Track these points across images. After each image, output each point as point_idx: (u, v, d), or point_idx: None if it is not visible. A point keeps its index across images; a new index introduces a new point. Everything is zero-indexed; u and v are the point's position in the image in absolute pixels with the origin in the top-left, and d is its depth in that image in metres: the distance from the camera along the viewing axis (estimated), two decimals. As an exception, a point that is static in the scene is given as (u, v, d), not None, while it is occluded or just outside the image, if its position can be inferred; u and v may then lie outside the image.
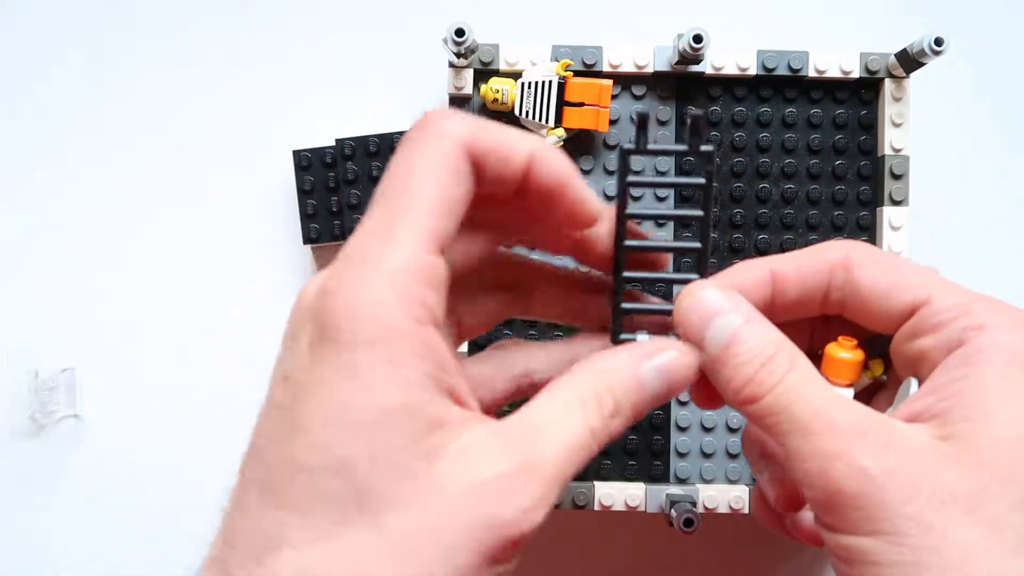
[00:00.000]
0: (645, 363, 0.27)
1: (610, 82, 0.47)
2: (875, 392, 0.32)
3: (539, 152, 0.27)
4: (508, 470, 0.24)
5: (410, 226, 0.25)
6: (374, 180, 0.51)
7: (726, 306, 0.28)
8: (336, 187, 0.52)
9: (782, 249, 0.49)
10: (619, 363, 0.27)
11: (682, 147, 0.28)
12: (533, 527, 0.24)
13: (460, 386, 0.26)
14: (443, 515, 0.24)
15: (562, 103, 0.46)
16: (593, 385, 0.27)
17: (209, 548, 0.25)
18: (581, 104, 0.46)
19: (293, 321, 0.25)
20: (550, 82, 0.46)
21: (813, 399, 0.26)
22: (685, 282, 0.29)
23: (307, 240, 0.52)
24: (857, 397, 0.31)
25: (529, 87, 0.46)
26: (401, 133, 0.51)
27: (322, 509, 0.23)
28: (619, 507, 0.47)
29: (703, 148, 0.28)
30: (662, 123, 0.49)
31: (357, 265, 0.24)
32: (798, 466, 0.26)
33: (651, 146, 0.28)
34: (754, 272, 0.30)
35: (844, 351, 0.30)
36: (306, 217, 0.52)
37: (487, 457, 0.24)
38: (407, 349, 0.24)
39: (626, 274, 0.30)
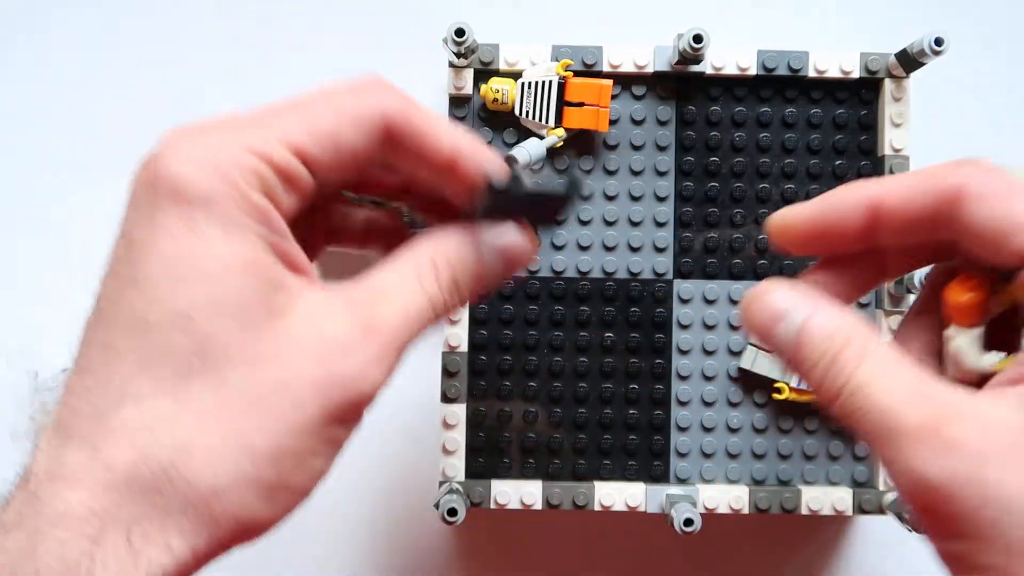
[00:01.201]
0: (484, 240, 0.28)
1: (610, 82, 0.47)
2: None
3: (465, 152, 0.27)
4: (350, 329, 0.25)
5: (280, 124, 0.25)
6: (374, 180, 0.51)
7: (788, 306, 0.26)
8: (336, 187, 0.52)
9: (782, 249, 0.49)
10: (458, 238, 0.28)
11: (555, 191, 0.27)
12: (375, 388, 0.25)
13: (298, 255, 0.26)
14: (289, 370, 0.24)
15: (562, 103, 0.46)
16: (431, 256, 0.27)
17: (50, 416, 0.25)
18: (581, 104, 0.46)
19: (135, 182, 0.25)
20: (550, 82, 0.46)
21: (882, 398, 0.24)
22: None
23: (307, 240, 0.52)
24: (996, 326, 0.27)
25: (529, 87, 0.46)
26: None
27: (166, 363, 0.23)
28: (619, 507, 0.47)
29: (566, 189, 0.27)
30: (662, 123, 0.49)
31: (206, 131, 0.25)
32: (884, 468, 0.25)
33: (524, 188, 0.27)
34: (848, 202, 0.28)
35: (961, 294, 0.27)
36: (306, 217, 0.52)
37: (330, 317, 0.25)
38: (242, 210, 0.24)
39: None
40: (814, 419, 0.48)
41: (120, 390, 0.23)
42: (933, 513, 0.23)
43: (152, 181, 0.24)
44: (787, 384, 0.47)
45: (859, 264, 0.29)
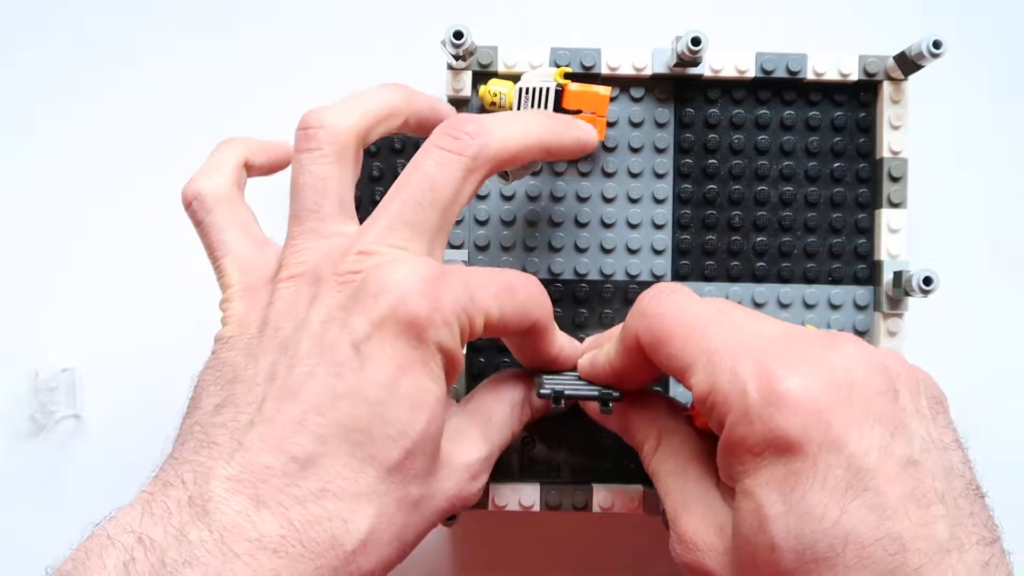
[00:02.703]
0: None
1: (608, 91, 0.47)
2: None
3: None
4: (481, 457, 0.34)
5: (486, 296, 0.34)
6: (374, 180, 0.51)
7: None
8: (335, 188, 0.52)
9: (780, 251, 0.49)
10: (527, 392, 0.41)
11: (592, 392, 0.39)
12: (478, 497, 0.36)
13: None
14: (440, 488, 0.32)
15: (559, 110, 0.46)
16: (524, 398, 0.40)
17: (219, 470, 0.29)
18: (579, 112, 0.46)
19: (382, 307, 0.31)
20: (547, 89, 0.46)
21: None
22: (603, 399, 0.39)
23: (306, 241, 0.52)
24: None
25: (526, 92, 0.46)
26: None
27: (372, 468, 0.29)
28: (618, 509, 0.47)
29: (615, 395, 0.39)
30: (660, 125, 0.49)
31: (448, 280, 0.33)
32: None
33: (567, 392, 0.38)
34: (597, 368, 0.39)
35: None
36: (305, 218, 0.52)
37: (468, 444, 0.34)
38: (455, 363, 0.33)
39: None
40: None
41: (320, 479, 0.28)
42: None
43: (397, 307, 0.30)
44: None
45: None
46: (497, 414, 0.36)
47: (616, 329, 0.39)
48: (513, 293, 0.32)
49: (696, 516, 0.34)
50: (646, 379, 0.38)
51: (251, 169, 0.40)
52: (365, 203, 0.51)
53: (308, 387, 0.28)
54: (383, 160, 0.51)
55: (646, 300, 0.35)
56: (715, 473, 0.34)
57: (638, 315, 0.35)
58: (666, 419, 0.39)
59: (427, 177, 0.32)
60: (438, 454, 0.31)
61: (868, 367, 0.30)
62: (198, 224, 0.37)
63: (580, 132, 0.38)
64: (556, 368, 0.38)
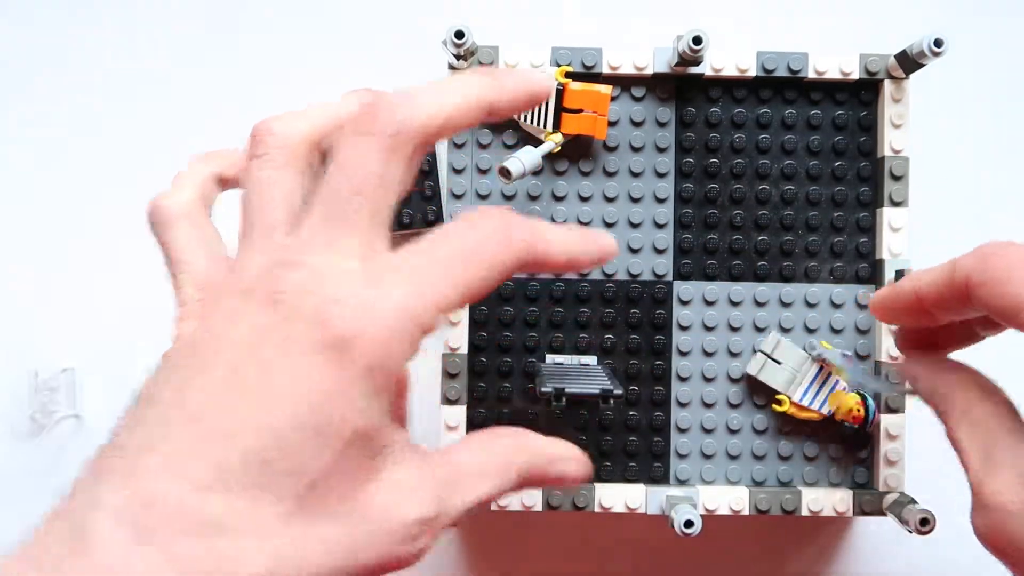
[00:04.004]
0: (554, 463, 0.32)
1: (608, 90, 0.47)
2: None
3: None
4: (424, 517, 0.28)
5: (438, 286, 0.27)
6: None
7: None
8: (336, 188, 0.52)
9: (781, 250, 0.49)
10: (538, 450, 0.31)
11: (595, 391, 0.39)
12: (420, 559, 0.28)
13: (405, 411, 0.33)
14: (367, 539, 0.27)
15: (560, 109, 0.46)
16: (514, 457, 0.30)
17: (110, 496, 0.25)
18: (579, 111, 0.46)
19: (278, 312, 0.27)
20: (549, 87, 0.46)
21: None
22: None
23: (307, 241, 0.52)
24: None
25: (528, 91, 0.46)
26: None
27: (271, 503, 0.25)
28: (619, 509, 0.47)
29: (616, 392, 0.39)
30: (661, 125, 0.49)
31: (368, 284, 0.27)
32: None
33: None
34: (903, 289, 0.37)
35: None
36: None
37: (414, 498, 0.28)
38: (391, 384, 0.27)
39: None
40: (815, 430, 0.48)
41: (215, 512, 0.25)
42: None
43: (318, 321, 0.26)
44: (788, 397, 0.47)
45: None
46: (467, 481, 0.30)
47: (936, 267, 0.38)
48: (474, 258, 0.28)
49: (1005, 475, 0.33)
50: (946, 319, 0.37)
51: (226, 182, 0.37)
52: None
53: (213, 413, 0.26)
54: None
55: (989, 245, 0.34)
56: None
57: (977, 255, 0.34)
58: (975, 387, 0.37)
59: (343, 168, 0.29)
60: (360, 495, 0.27)
61: None
62: (159, 241, 0.35)
63: (526, 79, 0.33)
64: (551, 265, 0.31)
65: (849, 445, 0.48)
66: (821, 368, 0.47)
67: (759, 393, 0.48)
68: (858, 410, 0.47)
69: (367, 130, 0.28)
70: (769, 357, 0.48)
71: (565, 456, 0.32)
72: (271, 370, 0.26)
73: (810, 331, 0.48)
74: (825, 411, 0.47)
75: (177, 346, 0.30)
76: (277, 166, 0.31)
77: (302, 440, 0.25)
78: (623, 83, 0.48)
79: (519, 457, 0.31)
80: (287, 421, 0.25)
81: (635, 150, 0.48)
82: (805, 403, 0.47)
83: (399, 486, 0.27)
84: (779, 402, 0.48)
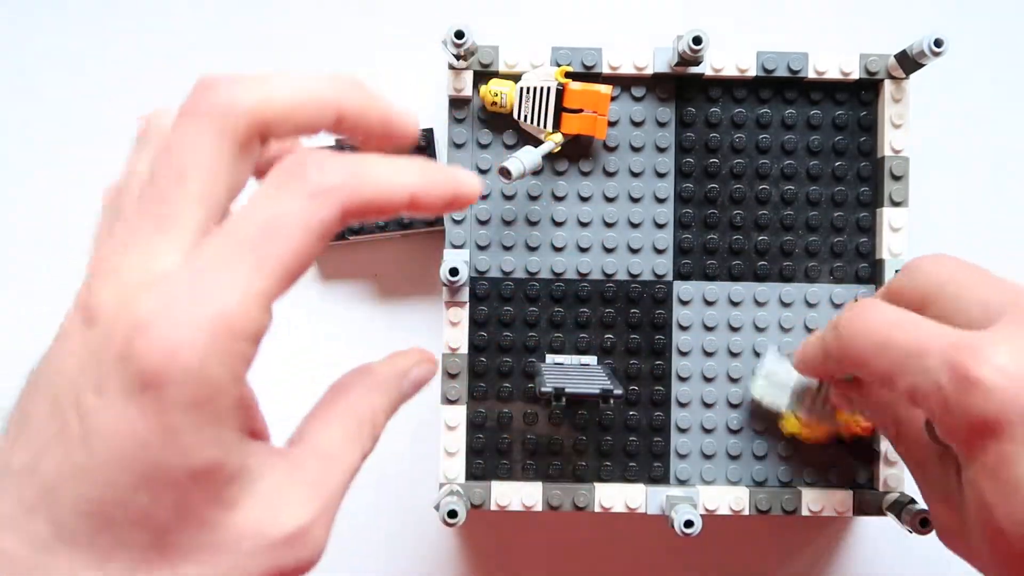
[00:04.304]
0: (407, 378, 0.30)
1: (608, 90, 0.47)
2: None
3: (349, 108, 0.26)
4: (309, 519, 0.25)
5: (249, 276, 0.23)
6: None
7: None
8: (336, 188, 0.52)
9: (782, 251, 0.49)
10: (387, 381, 0.29)
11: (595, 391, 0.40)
12: (322, 551, 0.26)
13: (260, 422, 0.27)
14: (240, 568, 0.24)
15: (560, 109, 0.46)
16: (368, 409, 0.28)
17: None
18: (580, 111, 0.46)
19: (100, 340, 0.23)
20: (548, 88, 0.46)
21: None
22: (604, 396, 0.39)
23: (307, 241, 0.52)
24: None
25: (527, 92, 0.46)
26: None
27: (122, 556, 0.23)
28: (619, 509, 0.47)
29: (616, 392, 0.39)
30: (661, 124, 0.49)
31: (179, 295, 0.22)
32: None
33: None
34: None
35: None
36: (306, 218, 0.52)
37: (288, 502, 0.25)
38: (228, 408, 0.23)
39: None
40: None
41: (59, 571, 0.23)
42: None
43: (130, 363, 0.22)
44: (795, 415, 0.46)
45: None
46: (335, 447, 0.27)
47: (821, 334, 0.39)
48: (287, 227, 0.23)
49: (941, 503, 0.35)
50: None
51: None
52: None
53: (44, 462, 0.23)
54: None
55: (846, 312, 0.36)
56: (954, 457, 0.35)
57: (830, 327, 0.37)
58: (900, 408, 0.39)
59: (167, 151, 0.24)
60: (227, 523, 0.24)
61: None
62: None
63: (380, 103, 0.27)
64: (390, 206, 0.25)
65: (854, 454, 0.48)
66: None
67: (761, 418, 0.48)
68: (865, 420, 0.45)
69: (194, 110, 0.24)
70: (770, 381, 0.47)
71: (410, 366, 0.30)
72: (89, 414, 0.22)
73: (810, 331, 0.48)
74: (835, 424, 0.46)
75: (32, 368, 0.26)
76: (201, 131, 0.24)
77: (135, 489, 0.22)
78: (623, 83, 0.48)
79: (376, 401, 0.29)
80: (115, 471, 0.22)
81: (635, 150, 0.48)
82: (811, 419, 0.46)
83: (268, 499, 0.25)
84: (783, 423, 0.47)
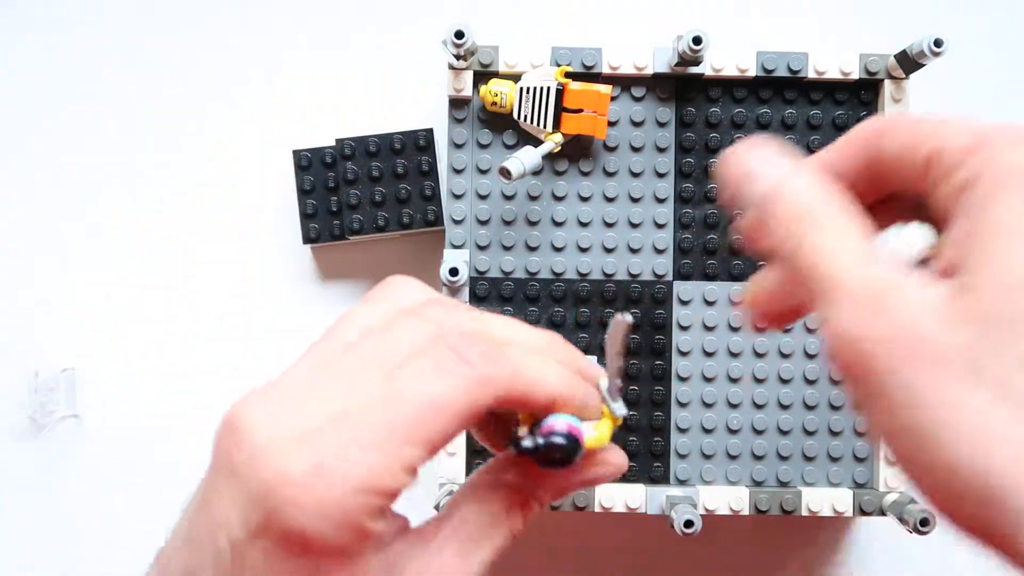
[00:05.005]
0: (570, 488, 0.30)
1: (608, 90, 0.47)
2: None
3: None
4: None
5: (400, 447, 0.24)
6: (374, 180, 0.51)
7: (760, 167, 0.27)
8: (336, 187, 0.52)
9: (782, 250, 0.49)
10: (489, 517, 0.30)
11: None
12: None
13: (398, 520, 0.29)
14: None
15: (560, 109, 0.46)
16: (474, 532, 0.30)
17: None
18: (579, 111, 0.46)
19: (246, 513, 0.24)
20: (548, 88, 0.46)
21: (831, 264, 0.24)
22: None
23: (307, 240, 0.52)
24: None
25: (528, 92, 0.46)
26: (401, 133, 0.51)
27: None
28: (619, 509, 0.47)
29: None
30: (661, 124, 0.49)
31: (335, 453, 0.24)
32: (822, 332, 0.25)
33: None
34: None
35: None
36: (306, 217, 0.52)
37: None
38: (365, 546, 0.25)
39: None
40: (813, 420, 0.48)
41: None
42: (851, 378, 0.23)
43: (276, 512, 0.24)
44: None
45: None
46: (470, 533, 0.29)
47: None
48: (441, 407, 0.25)
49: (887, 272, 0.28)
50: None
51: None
52: (364, 202, 0.51)
53: None
54: (382, 159, 0.51)
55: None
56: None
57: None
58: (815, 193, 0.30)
59: (421, 356, 0.26)
60: None
61: None
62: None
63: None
64: (531, 406, 0.27)
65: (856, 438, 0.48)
66: None
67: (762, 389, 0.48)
68: None
69: (465, 353, 0.26)
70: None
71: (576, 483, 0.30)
72: (243, 551, 0.24)
73: (810, 331, 0.48)
74: None
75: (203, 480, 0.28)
76: (458, 376, 0.25)
77: None
78: (623, 83, 0.48)
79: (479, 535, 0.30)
80: None
81: (635, 150, 0.48)
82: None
83: None
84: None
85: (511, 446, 0.27)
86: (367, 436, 0.24)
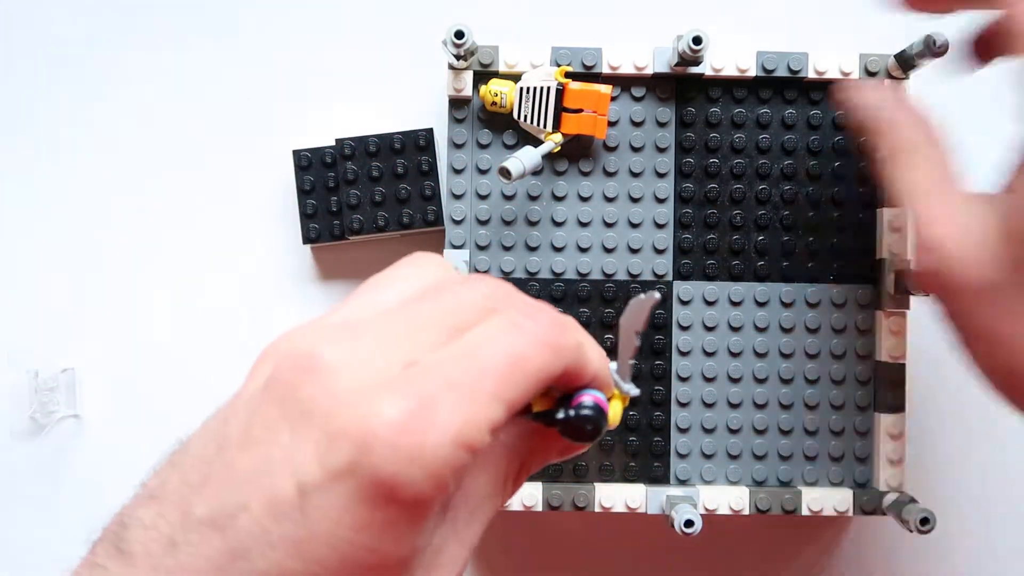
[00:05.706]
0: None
1: (608, 89, 0.47)
2: None
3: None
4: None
5: (488, 403, 0.23)
6: (374, 180, 0.51)
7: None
8: (336, 187, 0.52)
9: (782, 251, 0.49)
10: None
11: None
12: None
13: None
14: None
15: (560, 109, 0.46)
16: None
17: None
18: (580, 111, 0.46)
19: (322, 418, 0.23)
20: (548, 88, 0.46)
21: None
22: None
23: (307, 240, 0.52)
24: None
25: (528, 92, 0.46)
26: (401, 133, 0.51)
27: None
28: (619, 509, 0.47)
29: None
30: (661, 124, 0.49)
31: (426, 403, 0.23)
32: None
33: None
34: None
35: None
36: (306, 217, 0.52)
37: (446, 567, 0.26)
38: (440, 505, 0.25)
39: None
40: (814, 420, 0.48)
41: None
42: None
43: (355, 468, 0.22)
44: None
45: None
46: (474, 504, 0.28)
47: None
48: (523, 367, 0.24)
49: (949, 221, 0.37)
50: None
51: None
52: (364, 202, 0.51)
53: (240, 520, 0.23)
54: (382, 159, 0.51)
55: None
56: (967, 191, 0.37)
57: None
58: (920, 131, 0.39)
59: (512, 326, 0.25)
60: None
61: None
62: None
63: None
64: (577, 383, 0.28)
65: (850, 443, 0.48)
66: None
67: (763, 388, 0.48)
68: None
69: (537, 320, 0.25)
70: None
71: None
72: (312, 492, 0.23)
73: (810, 331, 0.48)
74: None
75: (219, 411, 0.28)
76: (539, 343, 0.25)
77: (337, 570, 0.23)
78: (623, 83, 0.48)
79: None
80: (325, 549, 0.23)
81: (635, 150, 0.48)
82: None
83: (436, 557, 0.25)
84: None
85: (530, 416, 0.27)
86: (461, 385, 0.23)
